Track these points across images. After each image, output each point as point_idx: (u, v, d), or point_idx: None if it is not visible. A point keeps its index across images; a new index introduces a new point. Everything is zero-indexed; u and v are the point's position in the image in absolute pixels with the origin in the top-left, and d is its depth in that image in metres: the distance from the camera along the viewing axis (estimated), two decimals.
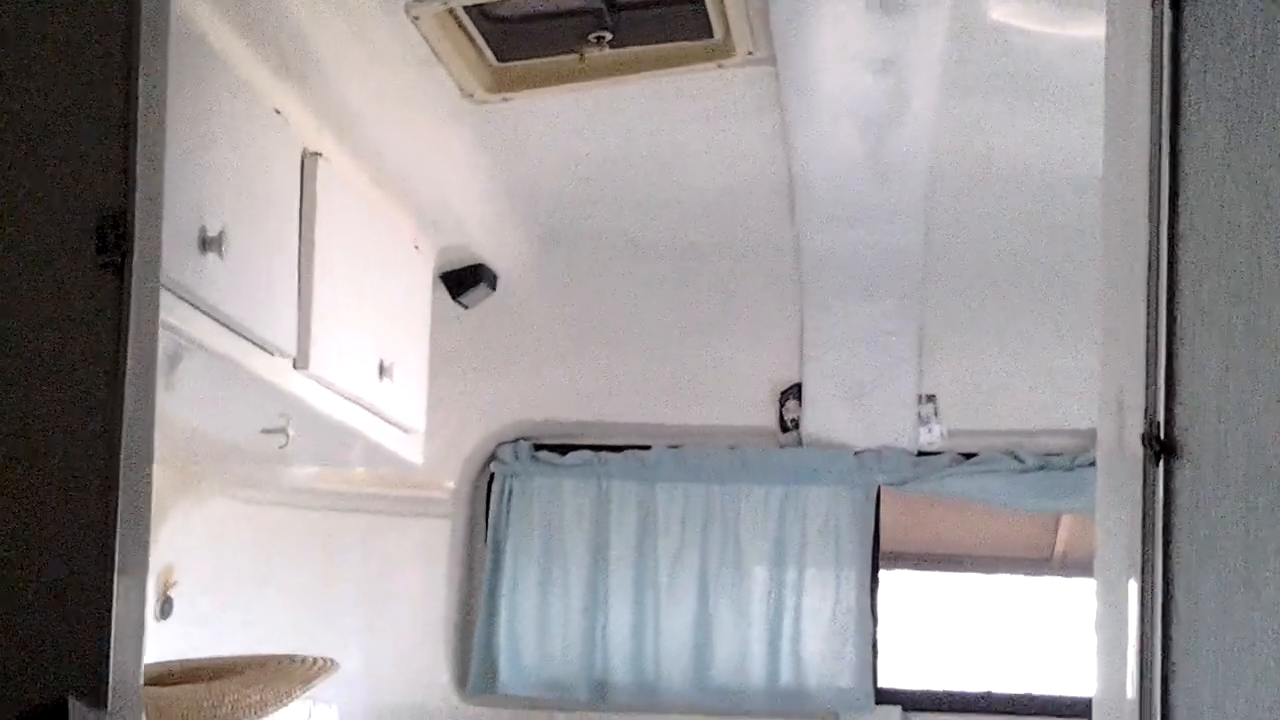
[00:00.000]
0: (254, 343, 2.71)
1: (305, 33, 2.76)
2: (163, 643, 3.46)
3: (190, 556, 3.71)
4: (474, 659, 4.47)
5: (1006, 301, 4.28)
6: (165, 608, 3.61)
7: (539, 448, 4.53)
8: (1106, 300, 2.06)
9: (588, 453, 4.49)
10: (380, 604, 4.44)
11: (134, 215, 1.79)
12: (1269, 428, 1.26)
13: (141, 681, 1.72)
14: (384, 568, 4.46)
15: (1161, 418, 1.70)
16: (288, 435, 3.14)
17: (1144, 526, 1.76)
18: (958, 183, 3.81)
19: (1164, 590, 1.71)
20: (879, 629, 4.44)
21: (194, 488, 3.74)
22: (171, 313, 2.38)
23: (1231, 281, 1.42)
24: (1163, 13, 1.76)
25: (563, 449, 4.52)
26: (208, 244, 2.45)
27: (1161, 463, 1.70)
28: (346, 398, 3.16)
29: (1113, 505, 1.99)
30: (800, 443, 4.42)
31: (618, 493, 4.48)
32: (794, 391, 4.42)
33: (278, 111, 2.80)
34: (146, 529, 1.75)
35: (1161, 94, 1.72)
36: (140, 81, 1.79)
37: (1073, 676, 4.42)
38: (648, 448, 4.48)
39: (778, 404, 4.43)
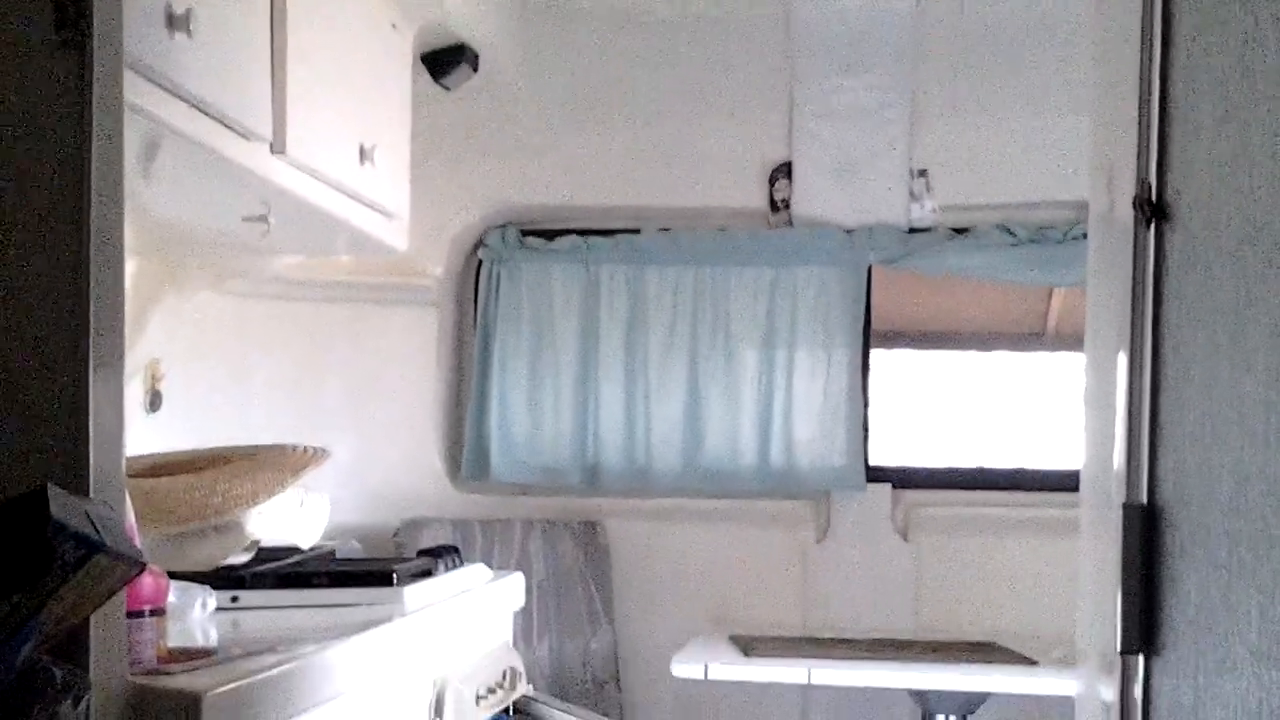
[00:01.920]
0: (229, 127, 2.64)
1: None
2: (153, 435, 3.46)
3: (178, 350, 3.70)
4: (465, 446, 4.49)
5: (999, 72, 4.21)
6: (154, 401, 3.60)
7: (526, 233, 4.49)
8: (1098, 63, 2.00)
9: (576, 237, 4.46)
10: (369, 393, 4.45)
11: None
12: (1263, 183, 1.22)
13: (124, 468, 1.70)
14: (372, 357, 4.45)
15: (1154, 180, 1.67)
16: (269, 223, 3.10)
17: (1134, 293, 1.74)
18: None
19: (1153, 358, 1.70)
20: (870, 408, 4.46)
21: (179, 281, 3.71)
22: (141, 96, 2.31)
23: (1227, 36, 1.37)
24: None
25: (550, 234, 4.49)
26: (175, 22, 2.37)
27: (1153, 227, 1.67)
28: (327, 183, 3.10)
29: (1103, 274, 1.96)
30: (790, 222, 4.38)
31: (607, 277, 4.46)
32: (784, 170, 4.37)
33: None
34: (120, 318, 1.72)
35: None
36: None
37: (1065, 451, 4.44)
38: (637, 231, 4.45)
39: (768, 183, 4.39)
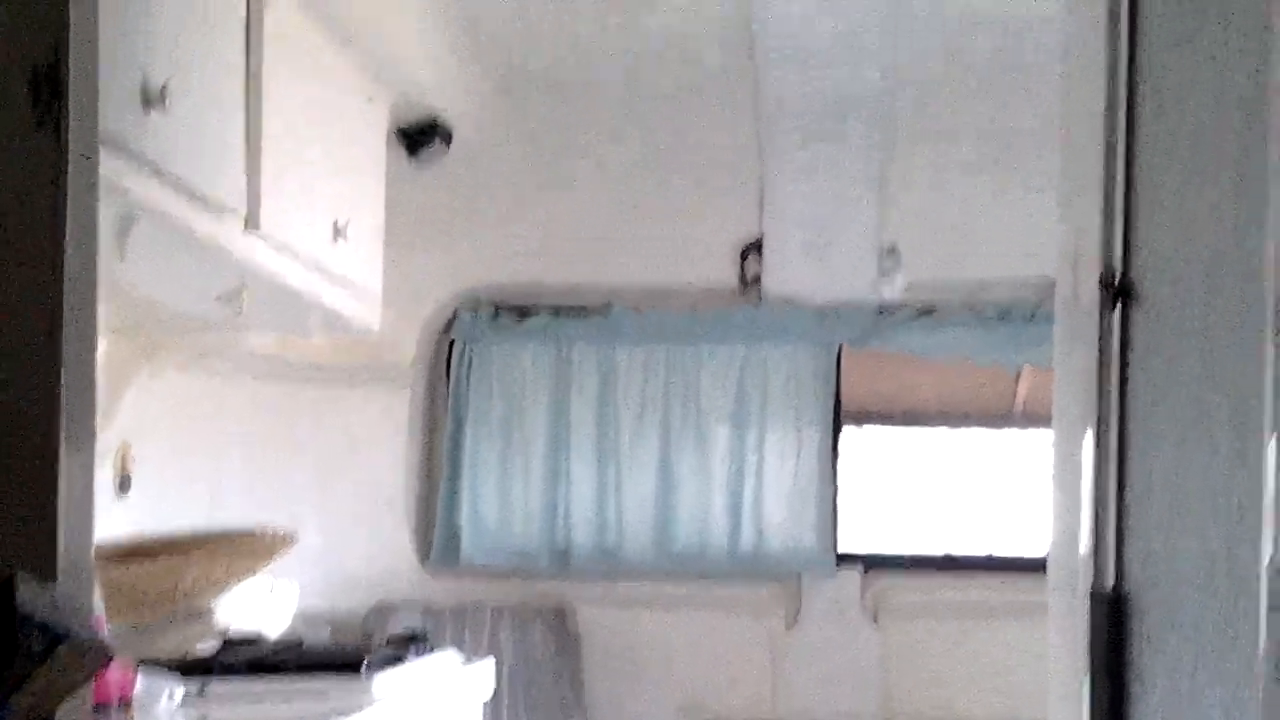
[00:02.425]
0: (203, 203, 2.64)
1: None
2: (122, 518, 3.43)
3: (149, 430, 3.68)
4: (436, 529, 4.47)
5: (967, 149, 4.23)
6: (124, 483, 3.58)
7: (499, 311, 4.50)
8: (1066, 145, 2.03)
9: (547, 316, 4.47)
10: (340, 474, 4.43)
11: (68, 68, 1.73)
12: (1228, 263, 1.23)
13: (92, 554, 1.69)
14: (343, 437, 4.44)
15: (1119, 262, 1.68)
16: (242, 301, 3.09)
17: (1100, 373, 1.75)
18: (919, 21, 3.74)
19: (1119, 439, 1.70)
20: (840, 489, 4.46)
21: (152, 360, 3.70)
22: (116, 172, 2.31)
23: (1193, 116, 1.39)
24: None
25: (522, 312, 4.49)
26: (150, 98, 2.38)
27: (1118, 308, 1.68)
28: (300, 260, 3.11)
29: (1070, 353, 1.97)
30: (761, 298, 4.39)
31: (578, 356, 4.46)
32: (755, 247, 4.38)
33: None
34: (93, 399, 1.71)
35: None
36: None
37: (1036, 533, 4.44)
38: (608, 309, 4.45)
39: (738, 260, 4.40)
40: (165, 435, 3.76)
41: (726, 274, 4.41)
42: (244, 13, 2.80)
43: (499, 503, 4.46)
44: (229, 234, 2.78)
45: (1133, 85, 1.65)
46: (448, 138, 4.04)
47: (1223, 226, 1.25)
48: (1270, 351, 1.06)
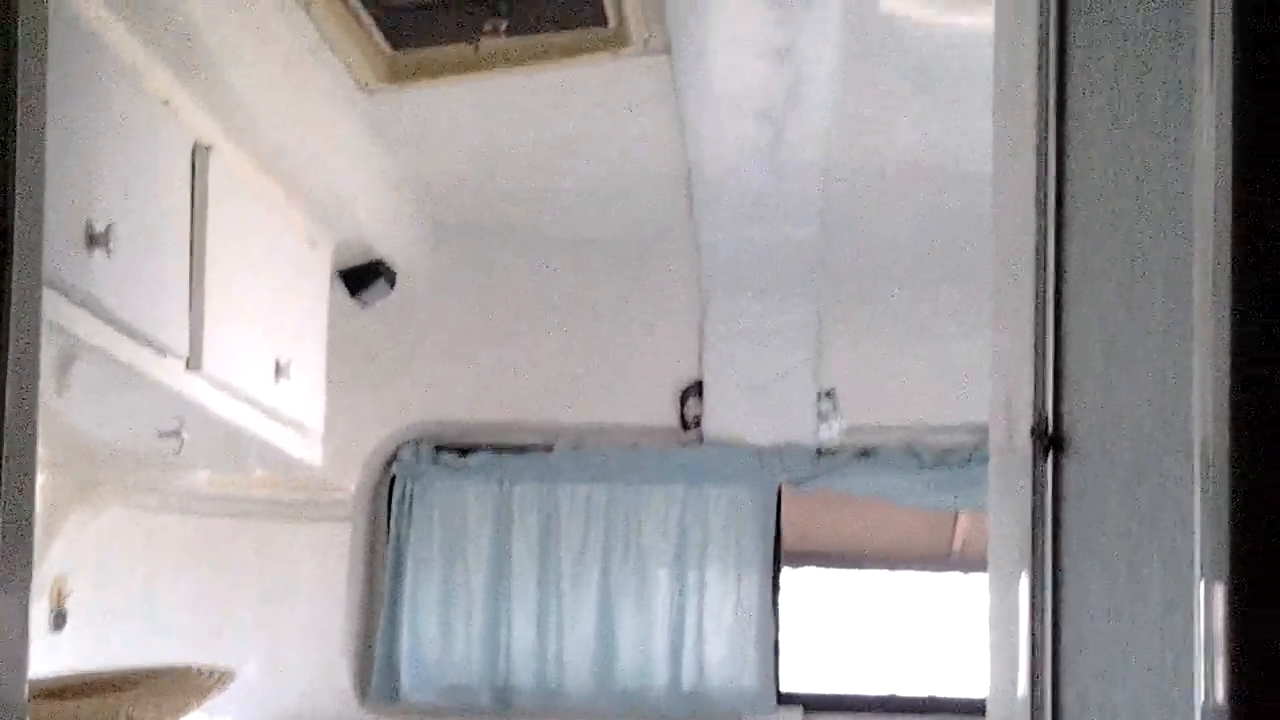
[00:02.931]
0: (145, 343, 2.65)
1: (195, 21, 2.71)
2: (57, 655, 3.39)
3: (86, 566, 3.65)
4: (376, 666, 4.43)
5: (904, 295, 4.31)
6: (59, 620, 3.54)
7: (440, 449, 4.50)
8: (997, 295, 2.06)
9: (489, 454, 4.47)
10: (280, 610, 4.39)
11: (13, 210, 1.75)
12: (1152, 421, 1.26)
13: (26, 697, 1.67)
14: (283, 573, 4.40)
15: (1050, 412, 1.71)
16: (182, 439, 3.09)
17: (1034, 521, 1.77)
18: (854, 176, 3.82)
19: (1054, 585, 1.72)
20: (781, 629, 4.46)
21: (90, 495, 3.67)
22: (59, 313, 2.32)
23: (1116, 275, 1.42)
24: (1049, 1, 1.76)
25: (464, 450, 4.50)
26: (94, 241, 2.39)
27: (1050, 457, 1.70)
28: (242, 399, 3.11)
29: (1004, 500, 1.99)
30: (701, 440, 4.42)
31: (520, 494, 4.46)
32: (695, 389, 4.42)
33: (166, 103, 2.74)
34: (30, 538, 1.70)
35: (1048, 83, 1.73)
36: (19, 69, 1.74)
37: (975, 675, 4.45)
38: (550, 448, 4.47)
39: (679, 402, 4.43)
40: (102, 571, 3.73)
41: (667, 415, 4.44)
42: (190, 158, 2.83)
43: (439, 639, 4.43)
44: (170, 374, 2.78)
45: (1061, 244, 1.68)
46: (391, 279, 4.07)
47: (1150, 381, 1.27)
48: (1199, 502, 1.08)
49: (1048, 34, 1.73)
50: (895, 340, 4.34)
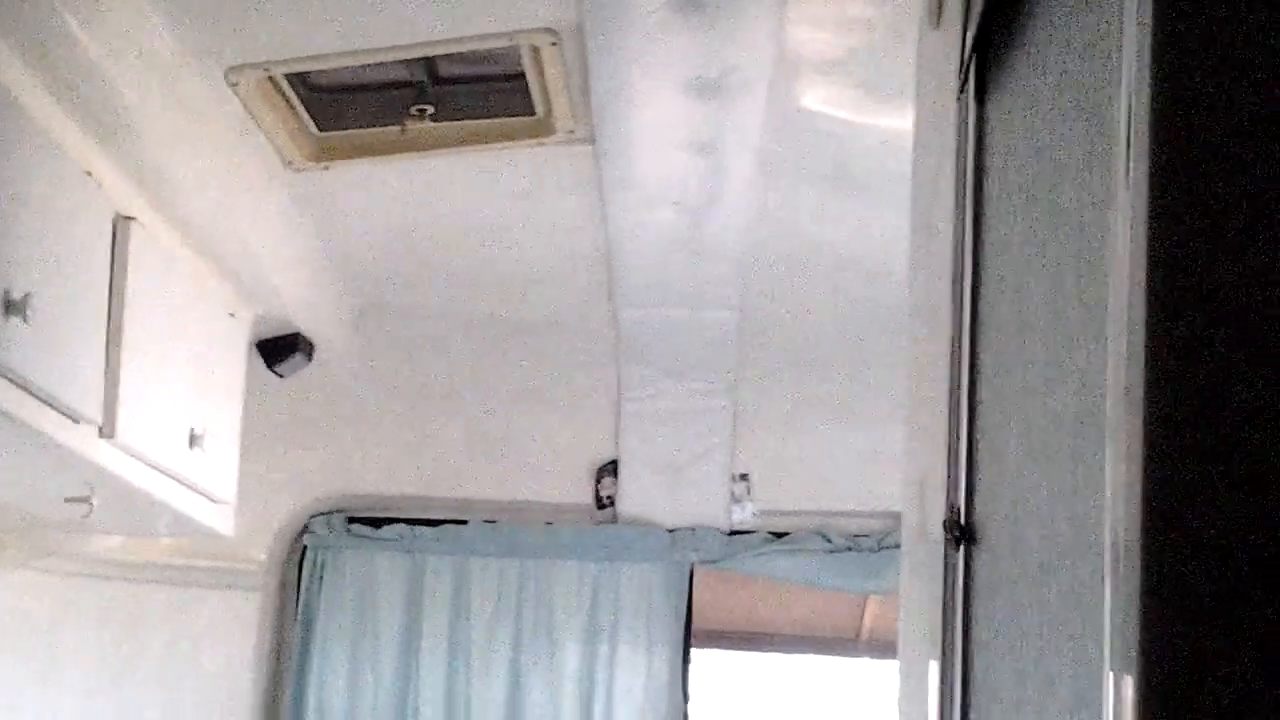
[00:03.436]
0: (59, 410, 2.64)
1: (120, 95, 2.72)
2: None
3: None
4: None
5: (820, 382, 4.35)
6: None
7: (353, 520, 4.48)
8: (911, 388, 2.10)
9: (403, 526, 4.46)
10: (184, 681, 4.34)
11: None
12: (1062, 519, 1.29)
13: None
14: (189, 642, 4.35)
15: (962, 504, 1.74)
16: (91, 505, 3.07)
17: (944, 611, 1.79)
18: (772, 266, 3.87)
19: (963, 675, 1.74)
20: (690, 708, 4.46)
21: None
22: None
23: (1029, 374, 1.46)
24: (967, 105, 1.81)
25: (377, 522, 4.48)
26: (11, 307, 2.39)
27: (962, 549, 1.73)
28: (155, 467, 3.10)
29: (916, 588, 2.02)
30: (615, 519, 4.43)
31: (432, 568, 4.44)
32: (610, 468, 4.44)
33: (89, 174, 2.75)
34: None
35: (965, 188, 1.77)
36: None
37: None
38: (464, 522, 4.46)
39: (594, 480, 4.45)
40: (3, 634, 3.68)
41: (582, 493, 4.45)
42: (112, 228, 2.83)
43: (347, 711, 4.39)
44: (83, 441, 2.77)
45: (975, 340, 1.72)
46: (310, 351, 4.06)
47: (1062, 479, 1.30)
48: (1109, 599, 1.11)
49: (965, 140, 1.77)
50: (810, 426, 4.38)
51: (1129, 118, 1.10)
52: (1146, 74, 1.07)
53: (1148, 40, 1.07)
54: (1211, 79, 1.06)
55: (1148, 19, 1.07)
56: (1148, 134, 1.06)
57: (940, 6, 2.04)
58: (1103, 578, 1.11)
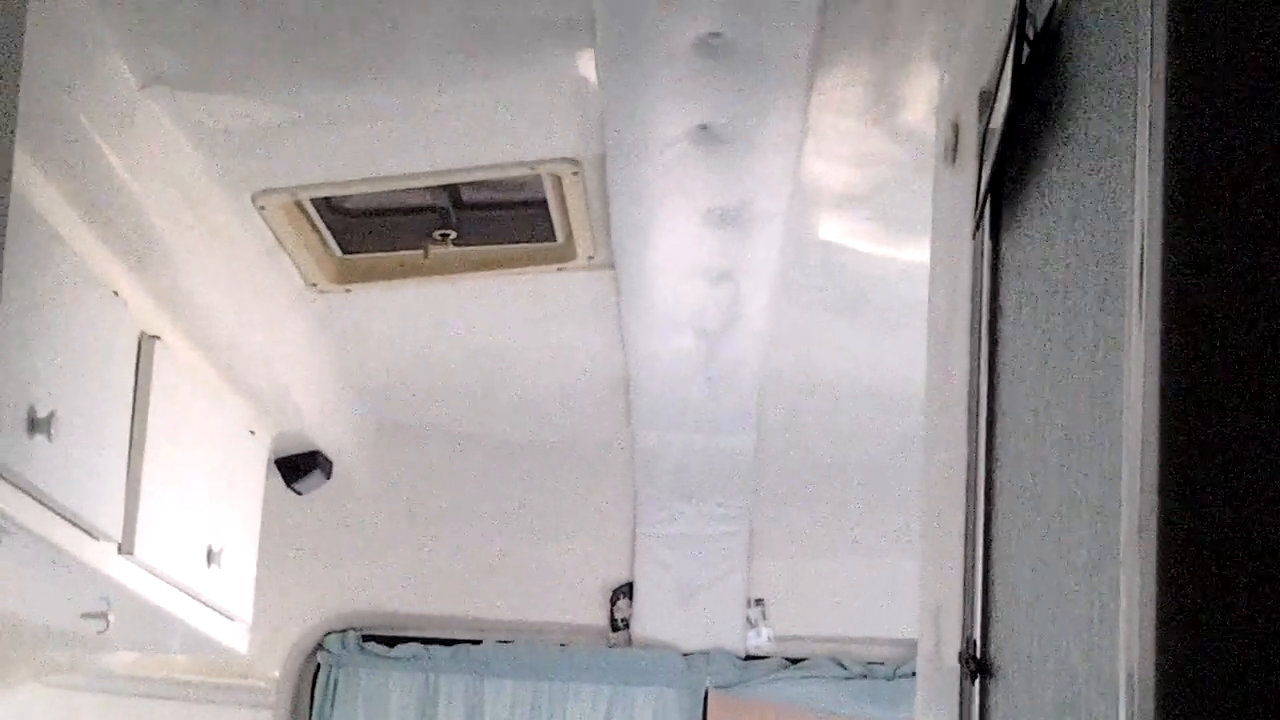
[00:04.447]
0: (79, 526, 2.65)
1: (148, 217, 2.76)
2: None
3: None
4: None
5: (836, 509, 4.35)
6: None
7: (367, 639, 4.47)
8: (926, 518, 2.11)
9: (417, 645, 4.44)
10: None
11: None
12: (1076, 655, 1.30)
13: None
14: None
15: (978, 637, 1.74)
16: (108, 620, 3.07)
17: None
18: (789, 392, 3.89)
19: None
20: None
21: (4, 672, 3.63)
22: None
23: (1044, 511, 1.47)
24: (983, 242, 1.84)
25: (391, 641, 4.47)
26: (36, 425, 2.41)
27: (977, 681, 1.73)
28: (172, 584, 3.10)
29: (930, 716, 2.02)
30: (630, 642, 4.42)
31: (445, 688, 4.42)
32: (625, 590, 4.44)
33: (116, 293, 2.78)
34: None
35: (980, 322, 1.79)
36: None
37: None
38: (478, 643, 4.45)
39: (609, 603, 4.44)
40: None
41: (597, 614, 4.45)
42: (136, 347, 2.86)
43: None
44: (102, 557, 2.79)
45: (991, 472, 1.73)
46: (328, 469, 4.08)
47: (1078, 616, 1.31)
48: None
49: (980, 276, 1.80)
50: (826, 552, 4.38)
51: (1141, 259, 1.12)
52: (1159, 217, 1.09)
53: (1160, 182, 1.09)
54: (1225, 224, 1.08)
55: (1159, 164, 1.10)
56: (1159, 277, 1.08)
57: (956, 145, 2.07)
58: (1118, 717, 1.11)
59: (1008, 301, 1.73)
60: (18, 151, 2.30)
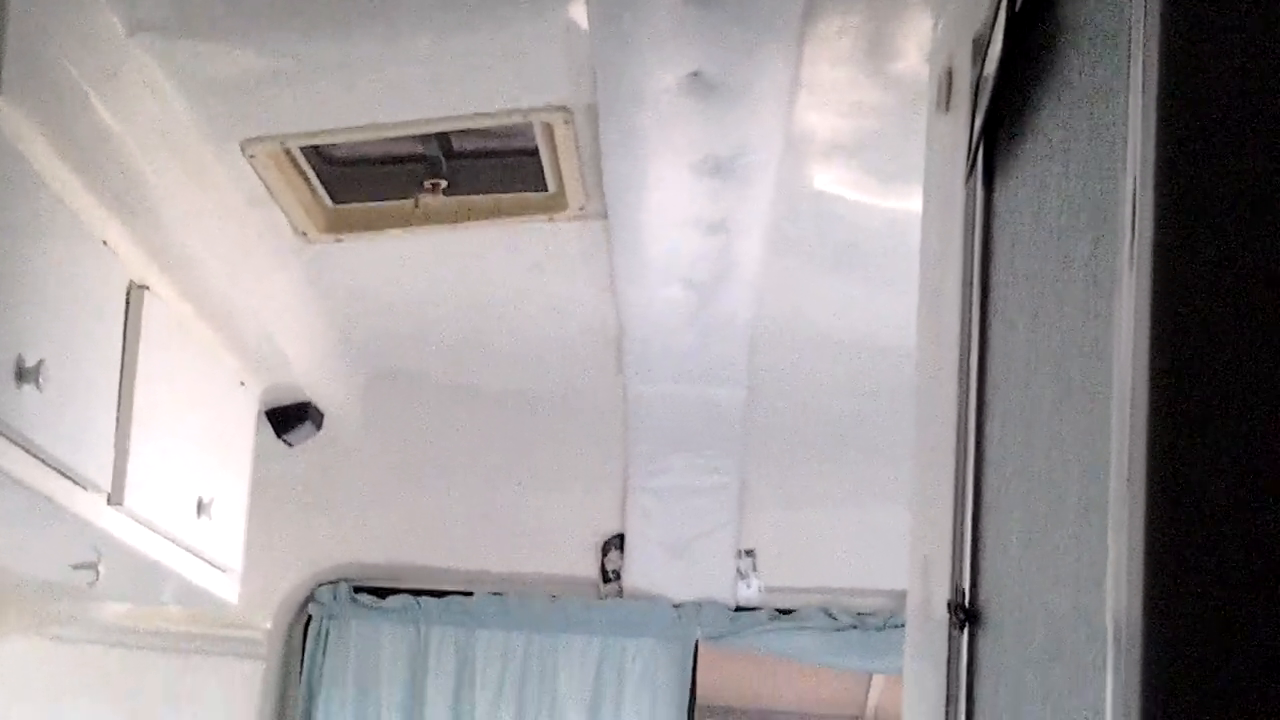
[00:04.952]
0: (68, 477, 2.65)
1: (136, 166, 2.75)
2: None
3: None
4: None
5: (826, 461, 4.35)
6: None
7: (358, 590, 4.48)
8: (916, 469, 2.11)
9: (408, 597, 4.46)
10: None
11: None
12: (1065, 604, 1.30)
13: None
14: (192, 709, 4.34)
15: (966, 586, 1.74)
16: (98, 572, 3.07)
17: (949, 692, 1.79)
18: (780, 344, 3.89)
19: None
20: None
21: None
22: None
23: (1034, 459, 1.47)
24: (975, 189, 1.83)
25: (382, 592, 4.48)
26: (24, 375, 2.40)
27: (965, 630, 1.73)
28: (162, 535, 3.10)
29: (920, 669, 2.02)
30: (621, 594, 4.43)
31: (436, 639, 4.44)
32: (616, 542, 4.44)
33: (105, 243, 2.77)
34: None
35: (973, 272, 1.79)
36: None
37: None
38: (469, 594, 4.46)
39: (600, 554, 4.45)
40: (5, 703, 3.68)
41: (588, 566, 4.45)
42: (125, 297, 2.85)
43: None
44: (91, 508, 2.78)
45: (981, 424, 1.73)
46: (319, 420, 4.07)
47: (1066, 564, 1.31)
48: (1110, 687, 1.11)
49: (973, 222, 1.79)
50: (817, 503, 4.39)
51: (1134, 205, 1.11)
52: (1151, 162, 1.08)
53: (1153, 127, 1.09)
54: (1218, 168, 1.07)
55: (1152, 109, 1.09)
56: (1152, 222, 1.08)
57: (949, 92, 2.06)
58: (1104, 667, 1.11)
59: (1000, 250, 1.72)
60: (4, 101, 2.29)
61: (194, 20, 2.60)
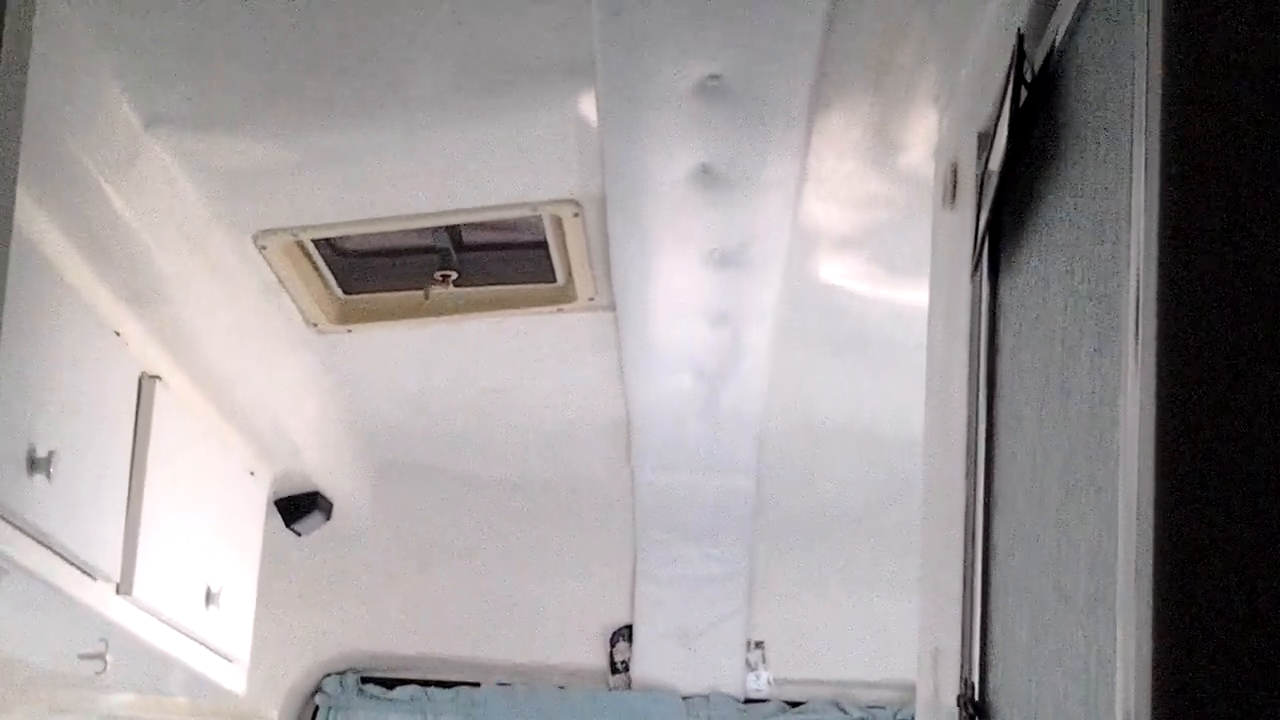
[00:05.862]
0: (77, 566, 2.65)
1: (150, 256, 2.77)
2: None
3: None
4: None
5: (835, 552, 4.34)
6: None
7: (366, 681, 4.46)
8: (925, 562, 2.11)
9: (415, 687, 4.43)
10: None
11: None
12: (1074, 697, 1.29)
13: None
14: None
15: (975, 679, 1.74)
16: (106, 661, 3.06)
17: None
18: (789, 434, 3.89)
19: None
20: None
21: (0, 715, 3.61)
22: None
23: (1041, 553, 1.47)
24: (981, 284, 1.84)
25: (390, 683, 4.46)
26: (35, 465, 2.40)
27: None
28: (170, 625, 3.09)
29: None
30: (629, 685, 4.41)
31: None
32: (624, 633, 4.43)
33: (117, 333, 2.78)
34: None
35: (979, 364, 1.80)
36: None
37: None
38: (477, 685, 4.44)
39: (608, 645, 4.43)
40: None
41: (596, 657, 4.43)
42: (137, 387, 2.86)
43: None
44: (100, 598, 2.77)
45: (989, 516, 1.73)
46: (328, 510, 4.07)
47: (1075, 661, 1.31)
48: None
49: (979, 318, 1.80)
50: (826, 595, 4.37)
51: (1137, 305, 1.12)
52: (1154, 257, 1.09)
53: (1155, 223, 1.10)
54: (1220, 262, 1.08)
55: (1155, 208, 1.10)
56: (1154, 323, 1.08)
57: (954, 187, 2.08)
58: None
59: (1006, 344, 1.73)
60: (20, 191, 2.31)
61: (209, 114, 2.63)
